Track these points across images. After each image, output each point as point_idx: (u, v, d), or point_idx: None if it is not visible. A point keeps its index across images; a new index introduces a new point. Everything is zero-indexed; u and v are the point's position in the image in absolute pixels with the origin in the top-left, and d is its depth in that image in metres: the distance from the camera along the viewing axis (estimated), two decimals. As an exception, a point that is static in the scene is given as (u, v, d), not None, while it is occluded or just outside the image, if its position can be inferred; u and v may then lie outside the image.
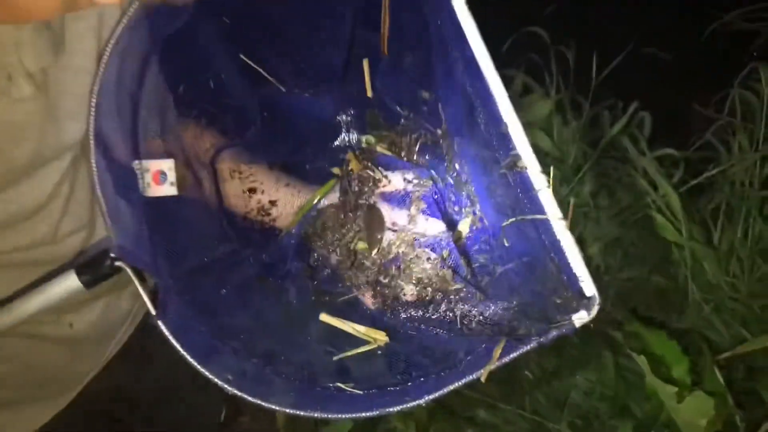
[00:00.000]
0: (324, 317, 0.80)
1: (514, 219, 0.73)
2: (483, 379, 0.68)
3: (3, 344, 0.86)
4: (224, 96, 0.87)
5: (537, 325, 0.69)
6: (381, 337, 0.77)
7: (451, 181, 0.90)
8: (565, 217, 0.67)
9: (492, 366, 0.68)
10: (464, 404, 1.45)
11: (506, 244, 0.80)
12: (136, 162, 0.70)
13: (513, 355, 0.68)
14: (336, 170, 0.96)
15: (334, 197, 0.90)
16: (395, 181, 0.87)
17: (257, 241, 0.88)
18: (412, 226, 0.84)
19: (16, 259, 0.78)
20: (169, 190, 0.72)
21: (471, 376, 0.69)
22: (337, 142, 1.02)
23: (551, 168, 0.68)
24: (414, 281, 0.81)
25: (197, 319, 0.70)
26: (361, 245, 0.86)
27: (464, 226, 0.86)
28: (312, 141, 0.99)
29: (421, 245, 0.82)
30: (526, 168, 0.68)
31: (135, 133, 0.70)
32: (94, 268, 0.66)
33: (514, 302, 0.75)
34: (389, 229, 0.85)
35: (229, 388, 0.67)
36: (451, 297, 0.79)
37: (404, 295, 0.81)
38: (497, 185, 0.75)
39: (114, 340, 1.08)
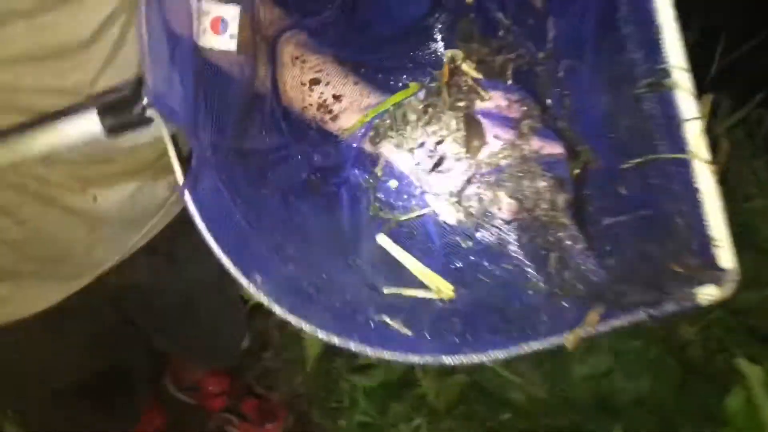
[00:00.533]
0: (382, 240, 0.67)
1: (641, 159, 0.59)
2: (570, 346, 0.55)
3: (19, 203, 0.75)
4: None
5: (647, 294, 0.55)
6: (447, 290, 0.63)
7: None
8: (715, 159, 0.53)
9: (584, 332, 0.54)
10: (500, 385, 1.33)
11: (623, 192, 0.66)
12: (195, 1, 0.57)
13: (613, 323, 0.55)
14: (413, 85, 0.80)
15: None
16: (497, 98, 0.71)
17: (312, 138, 0.74)
18: (524, 142, 0.68)
19: (34, 104, 0.65)
20: (227, 43, 0.58)
21: (552, 338, 0.55)
22: (420, 52, 0.88)
23: (709, 95, 0.53)
24: (516, 195, 0.66)
25: (232, 204, 0.57)
26: (453, 146, 0.70)
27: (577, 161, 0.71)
28: (394, 43, 0.84)
29: (534, 160, 0.66)
30: (674, 88, 0.53)
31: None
32: (120, 111, 0.53)
33: (621, 262, 0.61)
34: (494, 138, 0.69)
35: (256, 291, 0.54)
36: (554, 232, 0.65)
37: (498, 209, 0.66)
38: (622, 114, 0.60)
39: (141, 231, 0.95)
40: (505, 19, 0.77)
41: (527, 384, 1.27)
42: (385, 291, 0.65)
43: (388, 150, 0.71)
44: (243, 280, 0.54)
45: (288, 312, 0.54)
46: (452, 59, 0.79)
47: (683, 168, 0.54)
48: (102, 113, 0.53)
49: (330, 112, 0.74)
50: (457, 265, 0.69)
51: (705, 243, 0.54)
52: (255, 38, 0.68)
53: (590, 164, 0.70)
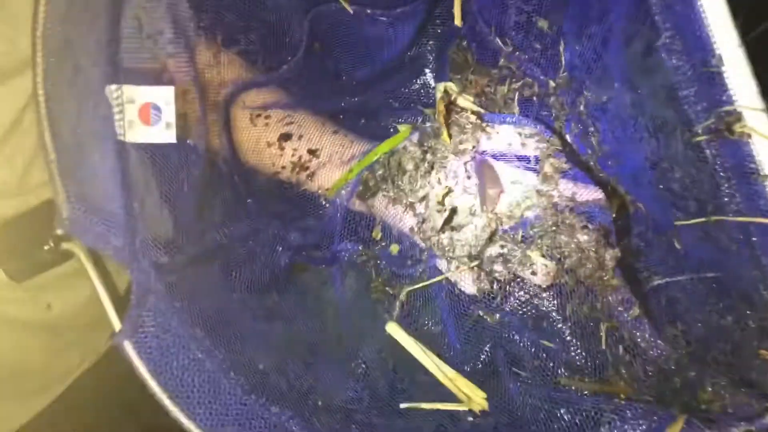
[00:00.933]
0: (393, 330, 0.55)
1: (703, 219, 0.46)
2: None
3: None
4: (263, 7, 0.60)
5: (738, 395, 0.43)
6: (478, 398, 0.50)
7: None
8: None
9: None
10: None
11: (678, 247, 0.53)
12: (114, 87, 0.44)
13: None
14: (404, 128, 0.67)
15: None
16: (506, 134, 0.58)
17: (286, 214, 0.62)
18: (551, 187, 0.55)
19: None
20: (163, 134, 0.46)
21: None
22: (406, 88, 0.75)
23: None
24: (552, 254, 0.53)
25: (192, 334, 0.45)
26: (465, 200, 0.57)
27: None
28: (374, 82, 0.72)
29: (570, 208, 0.54)
30: (746, 132, 0.40)
31: (115, 35, 0.44)
32: (25, 252, 0.40)
33: (683, 338, 0.48)
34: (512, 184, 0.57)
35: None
36: (602, 297, 0.52)
37: (532, 273, 0.53)
38: (675, 161, 0.47)
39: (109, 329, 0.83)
40: (505, 45, 0.64)
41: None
42: (402, 406, 0.52)
43: (382, 207, 0.58)
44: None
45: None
46: (446, 93, 0.65)
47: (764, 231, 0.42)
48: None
49: (306, 169, 0.62)
50: (483, 356, 0.57)
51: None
52: (202, 109, 0.55)
53: (629, 207, 0.57)
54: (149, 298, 0.43)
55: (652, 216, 0.55)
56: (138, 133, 0.45)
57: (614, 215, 0.55)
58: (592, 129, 0.58)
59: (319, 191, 0.62)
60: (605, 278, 0.53)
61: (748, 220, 0.42)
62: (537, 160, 0.57)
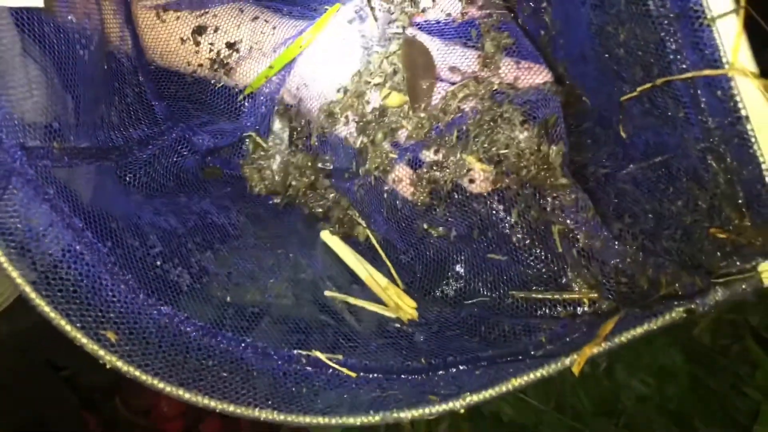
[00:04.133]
0: (326, 236, 0.50)
1: (649, 84, 0.40)
2: (576, 369, 0.37)
3: None
4: None
5: (683, 277, 0.38)
6: (408, 309, 0.46)
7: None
8: (764, 73, 0.35)
9: (595, 348, 0.37)
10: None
11: (623, 136, 0.48)
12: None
13: (636, 330, 0.37)
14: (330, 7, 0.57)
15: (336, 36, 0.54)
16: (443, 2, 0.50)
17: (197, 116, 0.56)
18: (490, 72, 0.48)
19: None
20: (27, -4, 0.40)
21: (552, 365, 0.38)
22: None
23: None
24: (490, 156, 0.46)
25: (68, 224, 0.39)
26: (394, 98, 0.50)
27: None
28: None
29: (509, 99, 0.46)
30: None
31: None
32: None
33: (629, 232, 0.43)
34: (442, 80, 0.50)
35: (110, 359, 0.36)
36: (552, 198, 0.46)
37: (470, 181, 0.47)
38: (619, 21, 0.42)
39: None
40: None
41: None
42: (327, 294, 0.48)
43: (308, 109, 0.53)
44: (86, 343, 0.36)
45: (165, 384, 0.37)
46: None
47: (715, 90, 0.36)
48: None
49: (225, 65, 0.55)
50: (421, 264, 0.52)
51: (760, 195, 0.36)
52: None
53: (576, 101, 0.51)
54: (12, 179, 0.37)
55: (598, 106, 0.50)
56: (-3, -7, 0.39)
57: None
58: (544, 4, 0.52)
59: (237, 89, 0.56)
60: (554, 177, 0.48)
61: (694, 75, 0.36)
62: (479, 34, 0.50)
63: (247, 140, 0.56)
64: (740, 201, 0.38)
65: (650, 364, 1.09)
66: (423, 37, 0.50)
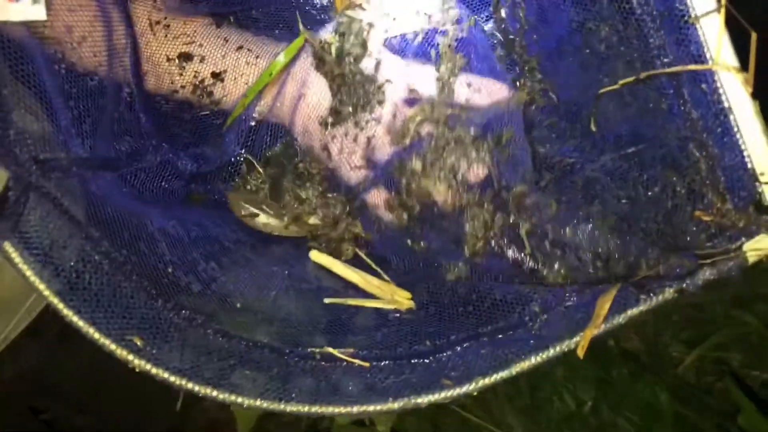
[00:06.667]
0: (316, 256, 0.52)
1: (633, 78, 0.43)
2: (580, 352, 0.40)
3: None
4: None
5: (670, 259, 0.41)
6: (404, 300, 0.49)
7: (489, 27, 0.58)
8: (744, 67, 0.37)
9: (596, 329, 0.40)
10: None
11: (593, 129, 0.50)
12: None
13: (630, 311, 0.40)
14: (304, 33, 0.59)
15: (306, 63, 0.56)
16: (404, 17, 0.53)
17: (181, 136, 0.57)
18: (445, 95, 0.52)
19: None
20: (29, 11, 0.40)
21: (557, 347, 0.40)
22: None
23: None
24: (447, 178, 0.50)
25: (86, 234, 0.40)
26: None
27: (521, 96, 0.54)
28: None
29: (461, 123, 0.50)
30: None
31: None
32: None
33: (603, 212, 0.46)
34: (408, 100, 0.53)
35: (140, 363, 0.38)
36: (514, 206, 0.49)
37: (434, 202, 0.51)
38: (601, 18, 0.44)
39: (16, 315, 0.77)
40: None
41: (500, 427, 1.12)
42: (326, 301, 0.50)
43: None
44: (110, 345, 0.38)
45: (189, 382, 0.38)
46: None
47: (699, 84, 0.39)
48: None
49: (210, 95, 0.56)
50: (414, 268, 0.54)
51: (741, 179, 0.39)
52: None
53: (537, 102, 0.54)
54: (29, 194, 0.38)
55: (567, 100, 0.53)
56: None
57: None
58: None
59: (221, 115, 0.57)
60: (518, 189, 0.51)
61: (680, 69, 0.39)
62: (438, 54, 0.53)
63: (243, 163, 0.58)
64: (721, 186, 0.40)
65: (636, 403, 1.11)
66: (388, 59, 0.53)
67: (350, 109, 0.53)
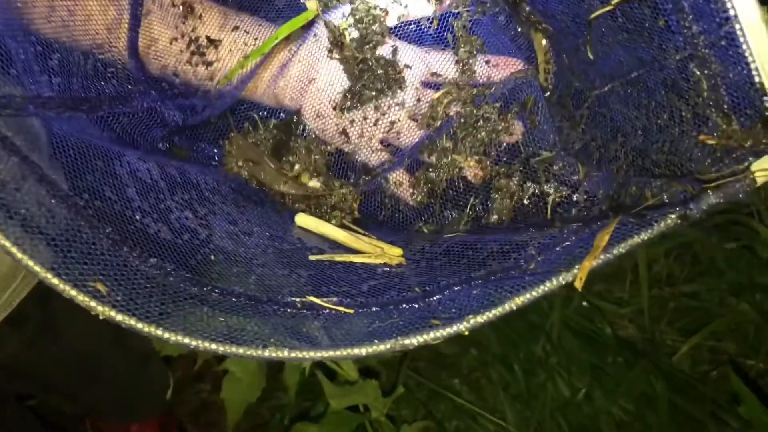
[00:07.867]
0: (302, 220, 0.51)
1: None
2: (578, 284, 0.37)
3: None
4: None
5: (671, 185, 0.38)
6: (395, 256, 0.47)
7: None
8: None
9: (594, 260, 0.37)
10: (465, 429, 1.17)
11: (590, 57, 0.48)
12: None
13: (630, 240, 0.37)
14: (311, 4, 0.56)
15: (314, 48, 0.54)
16: (415, 4, 0.53)
17: (171, 85, 0.53)
18: (467, 77, 0.53)
19: None
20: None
21: (553, 280, 0.38)
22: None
23: None
24: (477, 152, 0.52)
25: (41, 176, 0.37)
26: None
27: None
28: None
29: (486, 100, 0.52)
30: None
31: None
32: None
33: (625, 147, 0.44)
34: (427, 86, 0.54)
35: (103, 310, 0.35)
36: (543, 173, 0.50)
37: (462, 177, 0.53)
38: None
39: None
40: None
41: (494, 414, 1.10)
42: (311, 258, 0.47)
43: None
44: (77, 295, 0.35)
45: (170, 333, 0.36)
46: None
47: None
48: None
49: (203, 56, 0.53)
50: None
51: (747, 95, 0.36)
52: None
53: (551, 66, 0.52)
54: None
55: (560, 31, 0.50)
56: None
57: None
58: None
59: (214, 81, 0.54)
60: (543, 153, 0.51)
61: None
62: (455, 38, 0.54)
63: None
64: (726, 105, 0.38)
65: (630, 391, 1.10)
66: (404, 46, 0.53)
67: (373, 93, 0.53)
